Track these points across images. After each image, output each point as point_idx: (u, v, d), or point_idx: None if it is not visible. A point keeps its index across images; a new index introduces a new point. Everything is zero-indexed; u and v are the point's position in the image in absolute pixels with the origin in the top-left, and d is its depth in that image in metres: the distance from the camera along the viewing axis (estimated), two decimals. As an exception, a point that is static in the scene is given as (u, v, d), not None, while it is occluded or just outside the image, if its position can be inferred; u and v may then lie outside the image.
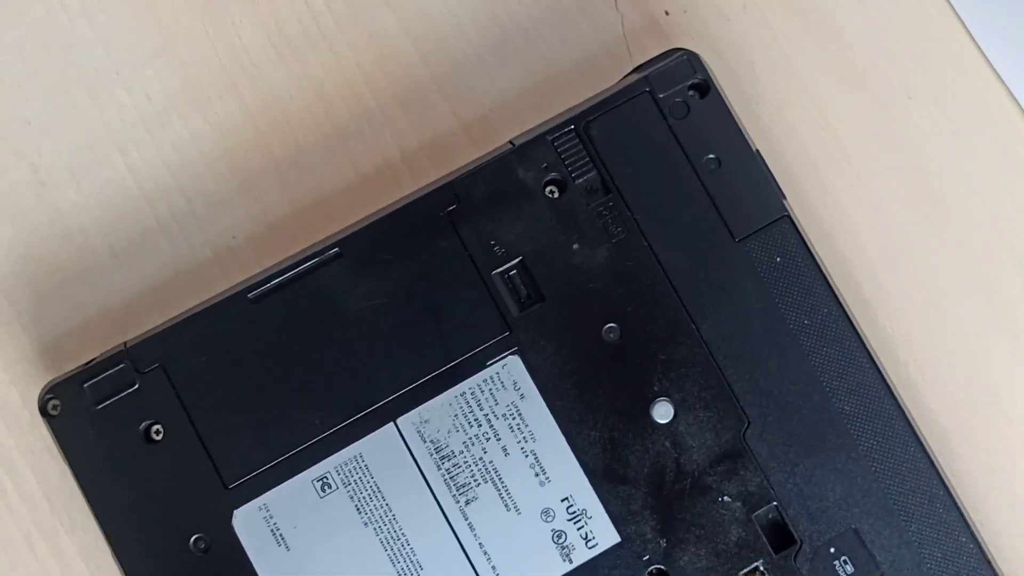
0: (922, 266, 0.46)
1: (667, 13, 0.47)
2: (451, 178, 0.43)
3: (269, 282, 0.42)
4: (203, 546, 0.41)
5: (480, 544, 0.42)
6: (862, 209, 0.46)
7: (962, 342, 0.45)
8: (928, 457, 0.42)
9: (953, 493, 0.42)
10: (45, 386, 0.42)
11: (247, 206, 0.46)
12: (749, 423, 0.42)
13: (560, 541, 0.42)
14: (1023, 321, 0.45)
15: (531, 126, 0.44)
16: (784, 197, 0.43)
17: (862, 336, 0.42)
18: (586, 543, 0.42)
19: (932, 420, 0.45)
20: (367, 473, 0.42)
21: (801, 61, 0.47)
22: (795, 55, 0.47)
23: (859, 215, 0.46)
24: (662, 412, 0.42)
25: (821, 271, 0.42)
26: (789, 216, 0.43)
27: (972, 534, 0.41)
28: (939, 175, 0.46)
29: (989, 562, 0.41)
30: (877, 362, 0.42)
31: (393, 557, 0.41)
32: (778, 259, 0.42)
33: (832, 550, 0.41)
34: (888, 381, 0.42)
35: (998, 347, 0.45)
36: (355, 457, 0.42)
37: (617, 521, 0.41)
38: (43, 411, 0.42)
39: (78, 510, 0.44)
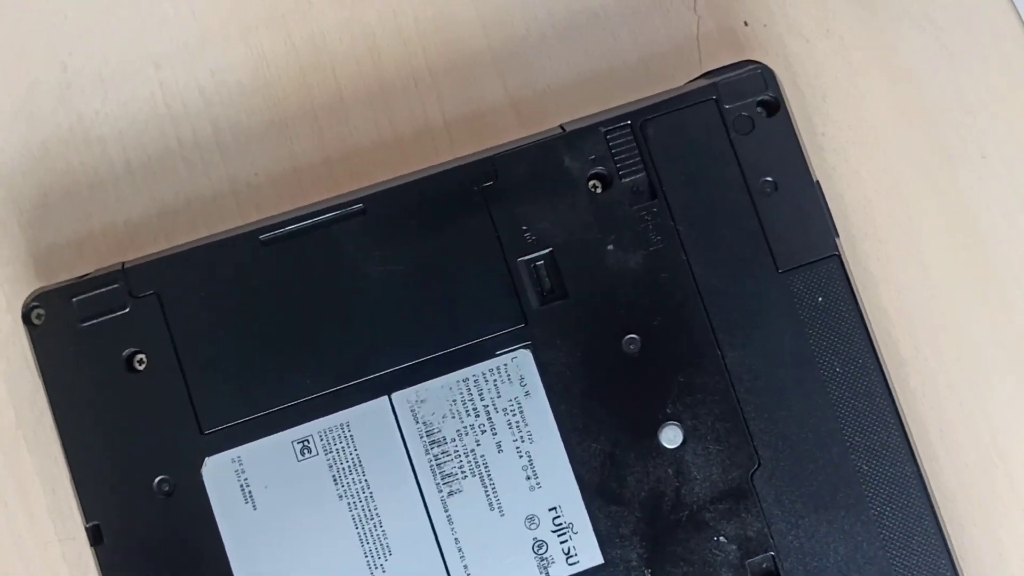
0: (963, 337, 0.44)
1: (746, 24, 0.45)
2: (492, 153, 0.41)
3: (284, 227, 0.41)
4: (167, 489, 0.40)
5: (456, 540, 0.40)
6: (912, 267, 0.45)
7: (991, 423, 0.44)
8: (942, 534, 0.40)
9: (962, 576, 0.40)
10: (32, 293, 0.41)
11: (275, 145, 0.45)
12: (760, 464, 0.40)
13: (540, 552, 0.40)
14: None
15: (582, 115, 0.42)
16: (837, 235, 0.41)
17: (894, 395, 0.40)
18: (567, 559, 0.39)
19: (947, 494, 0.43)
20: (351, 443, 0.40)
21: (875, 101, 0.45)
22: (870, 94, 0.45)
23: (908, 272, 0.45)
24: (670, 436, 0.40)
25: (863, 319, 0.41)
26: (839, 256, 0.41)
27: (975, 623, 0.39)
28: (999, 249, 0.45)
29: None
30: (905, 425, 0.40)
31: (363, 536, 0.39)
32: (820, 299, 0.41)
33: (823, 613, 0.39)
34: (913, 447, 0.40)
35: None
36: (341, 425, 0.40)
37: (603, 541, 0.40)
38: (26, 319, 0.41)
39: (45, 429, 0.43)
